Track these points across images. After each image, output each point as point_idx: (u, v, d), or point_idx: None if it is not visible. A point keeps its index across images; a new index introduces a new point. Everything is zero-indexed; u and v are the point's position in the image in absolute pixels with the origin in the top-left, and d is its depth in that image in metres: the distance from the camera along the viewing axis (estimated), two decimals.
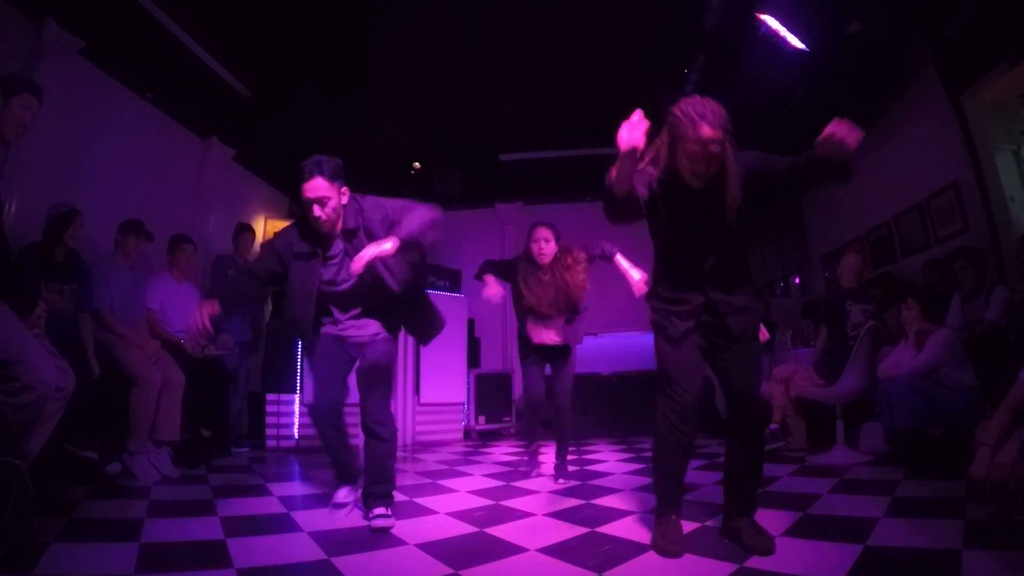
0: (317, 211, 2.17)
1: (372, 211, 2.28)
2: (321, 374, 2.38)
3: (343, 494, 2.46)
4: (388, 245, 2.08)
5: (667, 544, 1.79)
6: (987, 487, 1.88)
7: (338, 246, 2.30)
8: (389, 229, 2.21)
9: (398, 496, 2.59)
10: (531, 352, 3.27)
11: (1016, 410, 1.95)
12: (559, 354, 3.24)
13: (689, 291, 1.89)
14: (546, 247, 3.07)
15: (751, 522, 1.84)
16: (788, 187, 1.92)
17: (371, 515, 2.18)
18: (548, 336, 3.20)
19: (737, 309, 1.87)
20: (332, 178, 2.18)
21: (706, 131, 1.67)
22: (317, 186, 2.14)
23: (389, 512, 2.21)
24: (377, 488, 2.28)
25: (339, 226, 2.28)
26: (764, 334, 3.22)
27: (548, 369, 3.34)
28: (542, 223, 3.14)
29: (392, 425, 2.39)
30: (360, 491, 2.40)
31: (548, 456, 3.50)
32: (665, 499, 1.94)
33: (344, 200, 2.24)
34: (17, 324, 1.93)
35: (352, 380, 2.42)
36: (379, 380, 2.36)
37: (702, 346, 1.91)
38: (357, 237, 2.27)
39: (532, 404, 3.33)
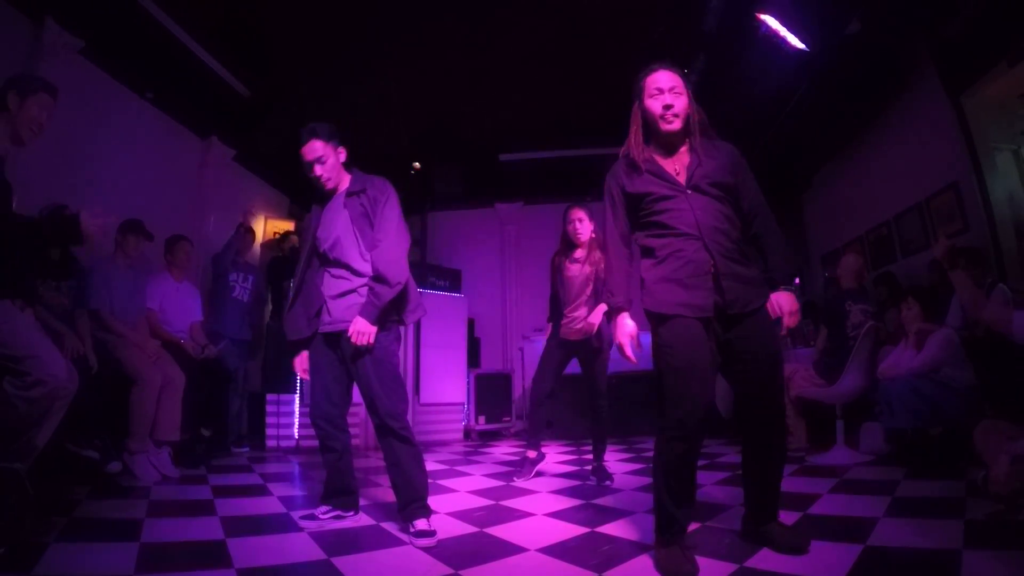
0: (318, 170, 2.29)
1: (377, 191, 2.30)
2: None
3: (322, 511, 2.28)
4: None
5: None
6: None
7: (338, 203, 2.33)
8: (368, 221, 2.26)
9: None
10: (555, 347, 3.23)
11: None
12: (589, 348, 3.20)
13: None
14: (580, 227, 3.17)
15: (780, 524, 1.83)
16: None
17: (414, 529, 2.02)
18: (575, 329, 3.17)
19: None
20: (328, 139, 2.30)
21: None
22: (314, 148, 2.28)
23: (432, 528, 2.03)
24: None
25: (343, 185, 2.36)
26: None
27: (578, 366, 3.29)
28: (576, 205, 3.24)
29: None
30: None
31: (548, 457, 3.49)
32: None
33: (342, 158, 2.36)
34: (24, 320, 1.94)
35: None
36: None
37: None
38: (361, 198, 2.30)
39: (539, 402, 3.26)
